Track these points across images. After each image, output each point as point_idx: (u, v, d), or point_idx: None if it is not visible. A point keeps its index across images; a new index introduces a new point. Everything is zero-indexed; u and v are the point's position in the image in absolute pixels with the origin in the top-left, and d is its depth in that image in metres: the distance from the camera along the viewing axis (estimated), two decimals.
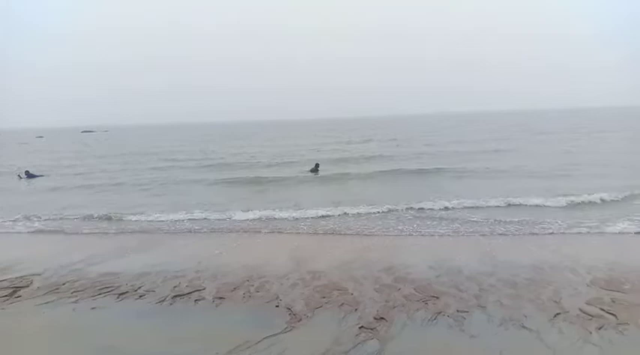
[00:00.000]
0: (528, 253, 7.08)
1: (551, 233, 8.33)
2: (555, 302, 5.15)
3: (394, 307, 5.19)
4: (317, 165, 19.22)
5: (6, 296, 6.02)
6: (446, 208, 10.68)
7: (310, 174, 18.46)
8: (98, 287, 6.19)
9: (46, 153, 38.35)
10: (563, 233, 8.34)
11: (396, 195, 12.65)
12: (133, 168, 23.14)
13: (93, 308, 5.55)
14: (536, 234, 8.31)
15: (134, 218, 11.04)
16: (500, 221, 9.24)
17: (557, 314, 4.85)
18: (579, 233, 8.32)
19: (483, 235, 8.37)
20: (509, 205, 10.72)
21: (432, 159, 21.74)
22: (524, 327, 4.59)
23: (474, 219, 9.51)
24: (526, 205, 10.68)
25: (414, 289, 5.69)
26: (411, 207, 10.79)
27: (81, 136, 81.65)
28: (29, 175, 20.46)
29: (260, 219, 10.50)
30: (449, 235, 8.49)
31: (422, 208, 10.75)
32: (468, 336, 4.48)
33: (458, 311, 5.02)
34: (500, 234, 8.38)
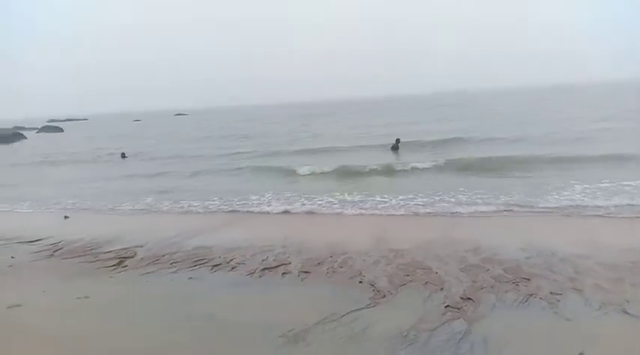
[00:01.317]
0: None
1: None
2: None
3: (482, 288, 5.05)
4: (397, 141, 18.52)
5: (114, 265, 6.65)
6: None
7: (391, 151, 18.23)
8: (194, 259, 6.64)
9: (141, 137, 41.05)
10: None
11: None
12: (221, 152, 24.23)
13: (190, 278, 5.98)
14: None
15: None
16: None
17: None
18: None
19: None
20: None
21: None
22: (625, 312, 4.28)
23: None
24: None
25: (503, 270, 5.50)
26: None
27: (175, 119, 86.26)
28: (123, 156, 23.24)
29: None
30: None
31: None
32: (563, 319, 4.26)
33: (551, 293, 4.78)
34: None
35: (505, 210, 8.51)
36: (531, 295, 4.79)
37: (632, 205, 8.15)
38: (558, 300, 4.62)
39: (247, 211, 10.10)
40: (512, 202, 8.90)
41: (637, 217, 7.56)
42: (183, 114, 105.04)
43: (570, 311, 4.40)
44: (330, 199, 10.45)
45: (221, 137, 33.27)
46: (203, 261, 6.53)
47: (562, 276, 5.20)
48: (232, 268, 6.22)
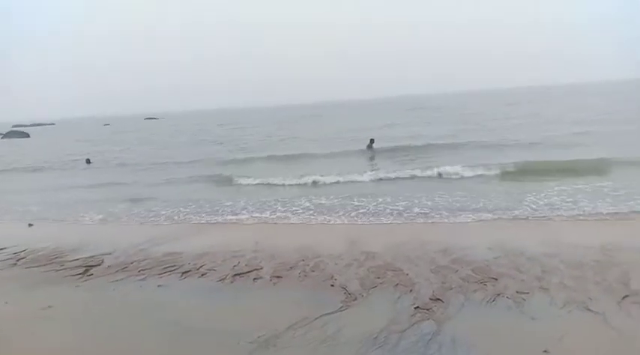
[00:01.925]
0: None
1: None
2: (623, 283, 4.89)
3: (451, 288, 5.12)
4: (372, 141, 19.03)
5: (80, 274, 6.47)
6: None
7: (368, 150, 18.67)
8: (163, 266, 6.52)
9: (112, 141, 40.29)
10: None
11: None
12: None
13: (159, 286, 5.87)
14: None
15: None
16: None
17: (626, 296, 4.60)
18: None
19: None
20: None
21: None
22: (589, 310, 4.40)
23: None
24: None
25: (472, 270, 5.59)
26: None
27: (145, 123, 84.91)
28: (88, 162, 22.79)
29: None
30: None
31: None
32: (529, 318, 4.36)
33: (518, 292, 4.88)
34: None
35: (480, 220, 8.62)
36: (498, 294, 4.87)
37: (595, 207, 8.40)
38: (524, 299, 4.72)
39: (218, 218, 9.93)
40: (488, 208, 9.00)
41: (600, 220, 7.77)
42: (154, 118, 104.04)
43: (536, 309, 4.50)
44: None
45: (189, 142, 32.64)
46: (172, 268, 6.42)
47: (529, 276, 5.31)
48: (202, 274, 6.13)
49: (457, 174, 12.22)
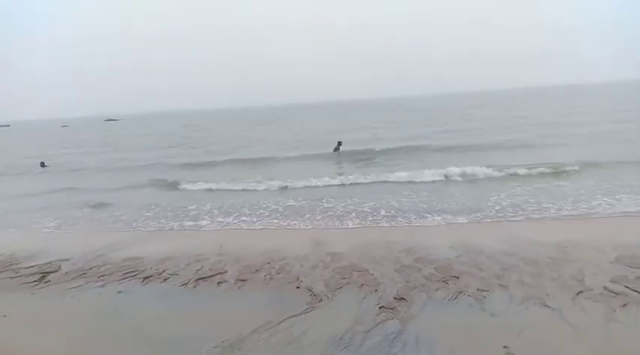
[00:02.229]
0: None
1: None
2: (578, 280, 5.08)
3: (415, 287, 5.19)
4: (339, 144, 19.11)
5: (36, 281, 6.22)
6: None
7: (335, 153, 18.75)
8: (123, 272, 6.34)
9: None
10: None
11: None
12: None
13: (119, 292, 5.71)
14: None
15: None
16: None
17: (580, 292, 4.78)
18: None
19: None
20: None
21: None
22: (546, 306, 4.55)
23: None
24: None
25: (435, 269, 5.69)
26: None
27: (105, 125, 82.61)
28: (43, 165, 21.85)
29: None
30: None
31: None
32: (489, 314, 4.47)
33: (478, 290, 5.00)
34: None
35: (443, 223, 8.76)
36: (460, 292, 4.98)
37: (554, 205, 8.71)
38: (485, 297, 4.83)
39: (180, 223, 9.67)
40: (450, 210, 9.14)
41: (559, 218, 8.05)
42: (114, 120, 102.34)
43: (496, 306, 4.62)
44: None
45: (147, 146, 31.71)
46: (133, 273, 6.25)
47: (489, 273, 5.45)
48: (165, 279, 6.00)
49: (419, 179, 12.21)
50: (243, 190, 12.70)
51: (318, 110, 78.05)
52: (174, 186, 14.21)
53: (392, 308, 4.69)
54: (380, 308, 4.73)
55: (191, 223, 9.43)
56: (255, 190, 12.60)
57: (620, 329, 4.06)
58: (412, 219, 8.49)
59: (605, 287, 4.84)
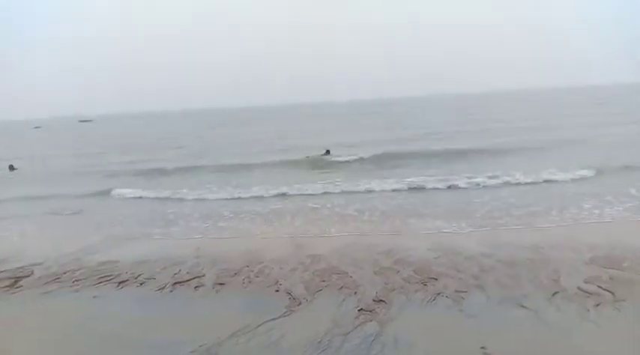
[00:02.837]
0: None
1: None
2: (554, 280, 5.16)
3: (393, 289, 5.20)
4: (327, 152, 18.72)
5: (7, 286, 6.05)
6: None
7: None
8: (98, 276, 6.21)
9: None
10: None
11: None
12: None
13: (94, 297, 5.60)
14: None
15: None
16: None
17: (556, 292, 4.85)
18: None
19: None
20: None
21: None
22: (522, 306, 4.61)
23: None
24: None
25: (413, 271, 5.71)
26: None
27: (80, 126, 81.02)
28: (12, 168, 21.23)
29: None
30: None
31: None
32: (467, 316, 4.50)
33: (457, 291, 5.04)
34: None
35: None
36: (439, 294, 5.00)
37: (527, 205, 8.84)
38: (463, 298, 4.87)
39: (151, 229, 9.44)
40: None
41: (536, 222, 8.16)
42: (88, 121, 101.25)
43: (474, 307, 4.66)
44: None
45: (116, 148, 30.56)
46: (109, 278, 6.13)
47: (467, 275, 5.49)
48: (141, 284, 5.89)
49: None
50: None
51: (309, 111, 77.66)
52: (106, 193, 13.49)
53: (371, 311, 4.69)
54: (359, 310, 4.72)
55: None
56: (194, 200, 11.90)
57: (593, 328, 4.13)
58: (391, 222, 8.49)
59: (579, 288, 4.92)
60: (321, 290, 5.35)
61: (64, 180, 17.04)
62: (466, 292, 5.02)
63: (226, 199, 11.63)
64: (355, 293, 5.18)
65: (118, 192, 13.36)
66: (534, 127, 25.48)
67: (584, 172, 11.30)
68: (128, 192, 13.27)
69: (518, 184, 10.88)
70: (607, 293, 4.76)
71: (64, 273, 6.38)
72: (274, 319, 4.64)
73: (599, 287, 4.91)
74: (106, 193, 13.50)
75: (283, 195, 11.57)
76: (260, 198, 11.46)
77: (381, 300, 4.92)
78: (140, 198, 12.69)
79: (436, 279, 5.40)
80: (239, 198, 11.66)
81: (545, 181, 10.89)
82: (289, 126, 44.14)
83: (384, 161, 16.38)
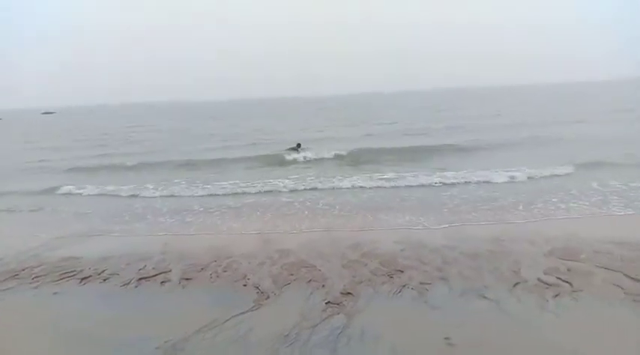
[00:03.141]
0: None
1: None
2: (514, 272, 5.33)
3: (361, 282, 5.27)
4: (298, 145, 18.58)
5: None
6: None
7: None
8: (60, 272, 6.04)
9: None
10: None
11: None
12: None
13: (55, 293, 5.44)
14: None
15: None
16: None
17: (517, 283, 5.02)
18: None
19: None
20: None
21: None
22: (484, 297, 4.75)
23: None
24: None
25: (380, 263, 5.79)
26: None
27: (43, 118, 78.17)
28: None
29: None
30: None
31: None
32: (431, 307, 4.61)
33: (421, 283, 5.14)
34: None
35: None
36: (404, 286, 5.10)
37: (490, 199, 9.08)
38: (427, 290, 4.98)
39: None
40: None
41: (498, 209, 8.38)
42: (51, 113, 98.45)
43: (438, 299, 4.77)
44: None
45: (75, 141, 29.62)
46: (71, 274, 5.96)
47: (431, 267, 5.61)
48: (104, 279, 5.76)
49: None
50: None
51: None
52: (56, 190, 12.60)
53: (338, 303, 4.74)
54: (327, 303, 4.77)
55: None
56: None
57: (552, 318, 4.30)
58: (360, 216, 8.56)
59: (539, 279, 5.10)
60: (289, 283, 5.37)
61: (15, 176, 16.04)
62: (430, 284, 5.13)
63: (190, 196, 11.20)
64: (323, 286, 5.22)
65: (67, 188, 12.48)
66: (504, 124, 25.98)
67: (556, 169, 11.51)
68: (73, 188, 12.47)
69: (483, 182, 10.90)
70: (565, 284, 4.95)
71: (23, 270, 6.16)
72: (242, 313, 4.62)
73: (558, 278, 5.10)
74: (56, 190, 12.57)
75: (248, 190, 11.33)
76: (224, 195, 11.14)
77: (349, 293, 4.98)
78: (98, 195, 11.95)
79: (402, 271, 5.50)
80: (203, 195, 11.24)
81: (511, 178, 11.01)
82: (271, 120, 43.69)
83: (356, 156, 16.37)
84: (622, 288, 4.78)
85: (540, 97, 61.62)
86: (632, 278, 4.98)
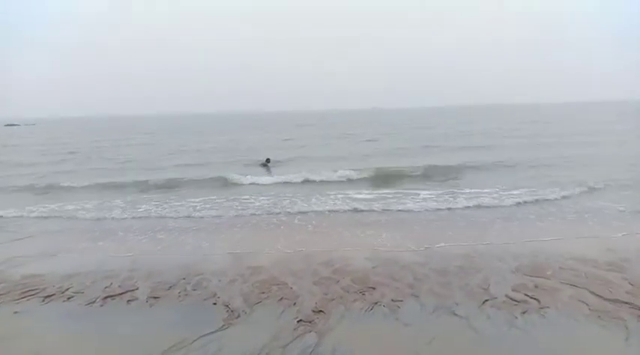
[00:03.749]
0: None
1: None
2: (484, 289, 5.40)
3: (332, 299, 5.25)
4: (268, 160, 18.70)
5: None
6: None
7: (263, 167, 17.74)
8: (22, 290, 5.81)
9: None
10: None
11: None
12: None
13: (15, 313, 5.23)
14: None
15: None
16: None
17: (486, 300, 5.09)
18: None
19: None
20: None
21: None
22: (455, 314, 4.79)
23: None
24: None
25: (352, 280, 5.79)
26: None
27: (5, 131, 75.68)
28: None
29: None
30: None
31: None
32: (403, 324, 4.62)
33: (393, 300, 5.16)
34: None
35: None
36: (376, 303, 5.10)
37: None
38: (399, 307, 5.00)
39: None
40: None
41: (467, 224, 8.49)
42: (15, 125, 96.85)
43: (409, 316, 4.79)
44: None
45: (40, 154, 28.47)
46: (33, 292, 5.74)
47: (402, 283, 5.64)
48: (68, 298, 5.56)
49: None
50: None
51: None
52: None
53: (310, 322, 4.70)
54: (298, 321, 4.72)
55: None
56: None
57: (520, 335, 4.36)
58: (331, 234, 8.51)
59: (507, 296, 5.19)
60: (260, 301, 5.30)
61: None
62: (402, 301, 5.15)
63: (146, 217, 10.37)
64: (294, 303, 5.17)
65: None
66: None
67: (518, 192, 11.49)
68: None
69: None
70: (533, 300, 5.05)
71: None
72: (211, 333, 4.53)
73: (526, 295, 5.20)
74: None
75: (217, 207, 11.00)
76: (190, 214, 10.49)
77: (320, 310, 4.95)
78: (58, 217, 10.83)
79: (374, 288, 5.51)
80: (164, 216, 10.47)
81: (479, 203, 10.86)
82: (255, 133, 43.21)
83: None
84: (587, 305, 4.91)
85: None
86: (597, 295, 5.12)
